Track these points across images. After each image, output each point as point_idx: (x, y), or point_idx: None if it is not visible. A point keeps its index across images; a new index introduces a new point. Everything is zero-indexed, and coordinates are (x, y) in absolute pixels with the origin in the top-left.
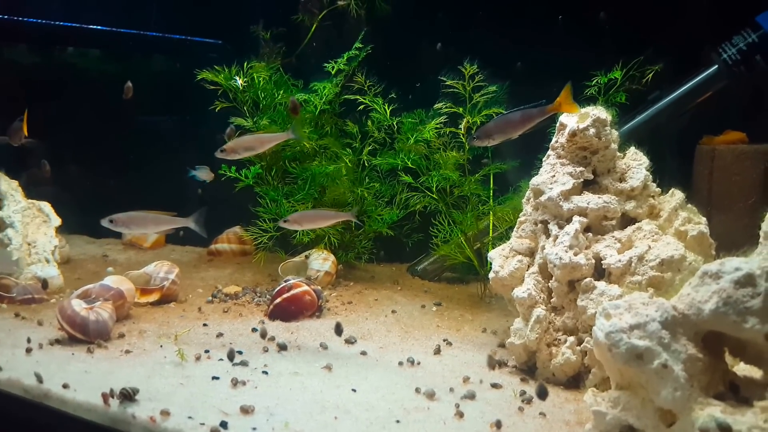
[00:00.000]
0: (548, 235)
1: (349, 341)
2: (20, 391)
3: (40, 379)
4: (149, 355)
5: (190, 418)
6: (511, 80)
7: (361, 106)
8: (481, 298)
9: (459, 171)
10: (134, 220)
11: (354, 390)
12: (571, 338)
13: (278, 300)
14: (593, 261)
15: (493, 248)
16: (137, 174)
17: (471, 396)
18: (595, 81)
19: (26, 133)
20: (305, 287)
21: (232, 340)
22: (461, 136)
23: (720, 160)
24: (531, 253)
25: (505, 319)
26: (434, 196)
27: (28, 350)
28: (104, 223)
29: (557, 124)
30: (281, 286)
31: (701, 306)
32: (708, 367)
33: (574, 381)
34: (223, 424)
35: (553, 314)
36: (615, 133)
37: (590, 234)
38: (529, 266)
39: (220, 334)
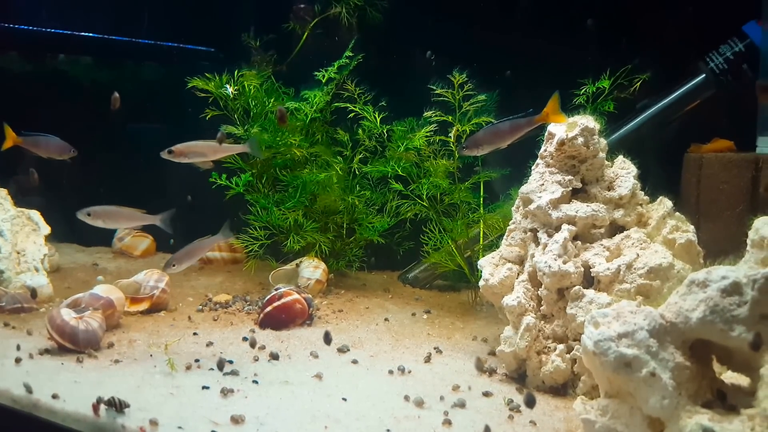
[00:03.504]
0: (537, 243)
1: (341, 350)
2: (9, 401)
3: (29, 390)
4: (139, 365)
5: (180, 428)
6: (500, 89)
7: (352, 114)
8: (472, 306)
9: (449, 179)
10: (109, 213)
11: (344, 399)
12: (561, 346)
13: (269, 308)
14: (582, 269)
15: (484, 256)
16: (128, 182)
17: (461, 404)
18: (583, 90)
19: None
20: (296, 295)
21: (223, 350)
22: (451, 145)
23: (708, 168)
24: (521, 261)
25: (495, 327)
26: (425, 203)
27: (18, 360)
28: (81, 215)
29: (546, 133)
30: (272, 294)
31: (689, 314)
32: (696, 375)
33: (564, 389)
34: None
35: (542, 322)
36: (603, 142)
37: (579, 242)
38: (518, 274)
39: (210, 343)
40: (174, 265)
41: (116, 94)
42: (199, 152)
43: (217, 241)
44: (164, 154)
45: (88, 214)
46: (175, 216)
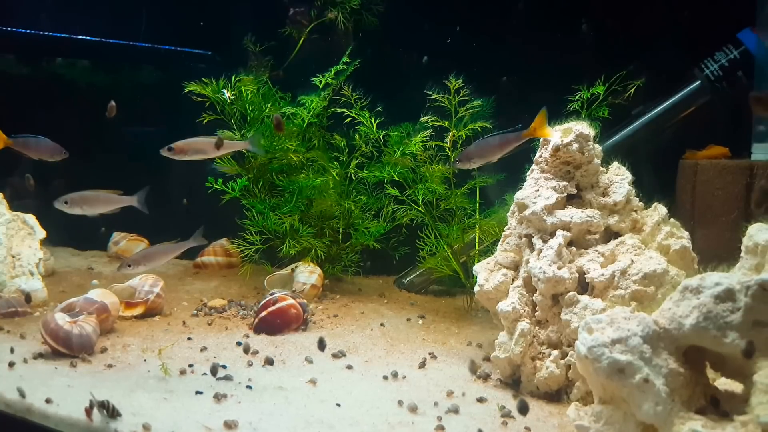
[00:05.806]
0: (532, 249)
1: (335, 355)
2: (2, 405)
3: (22, 394)
4: (133, 369)
5: None
6: (496, 94)
7: (348, 119)
8: (467, 311)
9: (445, 184)
10: (86, 199)
11: (338, 404)
12: (555, 352)
13: (263, 313)
14: (577, 275)
15: (479, 261)
16: (125, 185)
17: (455, 410)
18: (578, 96)
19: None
20: (291, 300)
21: (217, 354)
22: (447, 150)
23: (703, 174)
24: (515, 267)
25: (490, 333)
26: (421, 209)
27: (11, 364)
28: (58, 205)
29: (541, 139)
30: (267, 299)
31: (682, 320)
32: (689, 382)
33: (558, 395)
34: None
35: (537, 328)
36: (598, 148)
37: (574, 248)
38: (513, 280)
39: (204, 348)
40: (130, 266)
41: (113, 103)
42: (200, 149)
43: (187, 246)
44: (164, 152)
45: (66, 203)
46: (149, 194)
